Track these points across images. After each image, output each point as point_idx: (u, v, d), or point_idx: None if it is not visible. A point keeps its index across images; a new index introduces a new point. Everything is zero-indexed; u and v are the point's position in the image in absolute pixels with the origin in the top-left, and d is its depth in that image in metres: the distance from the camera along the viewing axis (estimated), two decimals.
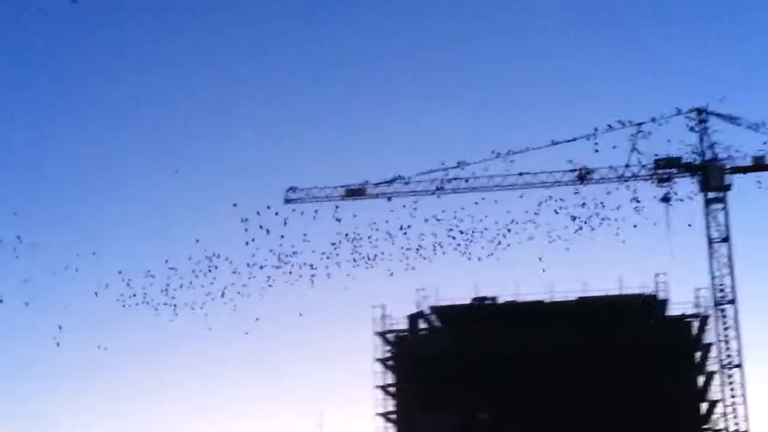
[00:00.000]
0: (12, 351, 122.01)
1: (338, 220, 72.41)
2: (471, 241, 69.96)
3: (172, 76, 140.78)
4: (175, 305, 69.83)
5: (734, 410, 66.28)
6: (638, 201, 70.93)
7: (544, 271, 69.27)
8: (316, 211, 73.19)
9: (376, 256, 70.63)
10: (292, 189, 74.42)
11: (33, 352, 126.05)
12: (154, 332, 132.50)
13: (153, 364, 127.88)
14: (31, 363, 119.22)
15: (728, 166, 70.69)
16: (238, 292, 70.58)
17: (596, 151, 71.30)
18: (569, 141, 73.34)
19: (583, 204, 71.53)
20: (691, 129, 71.22)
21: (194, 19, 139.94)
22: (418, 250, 71.70)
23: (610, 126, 70.99)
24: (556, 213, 71.08)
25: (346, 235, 71.99)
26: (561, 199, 71.33)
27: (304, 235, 70.30)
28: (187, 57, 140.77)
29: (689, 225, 70.09)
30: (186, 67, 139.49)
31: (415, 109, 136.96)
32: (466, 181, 71.42)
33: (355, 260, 70.03)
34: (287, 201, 74.54)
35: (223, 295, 70.40)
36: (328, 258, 71.26)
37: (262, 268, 70.43)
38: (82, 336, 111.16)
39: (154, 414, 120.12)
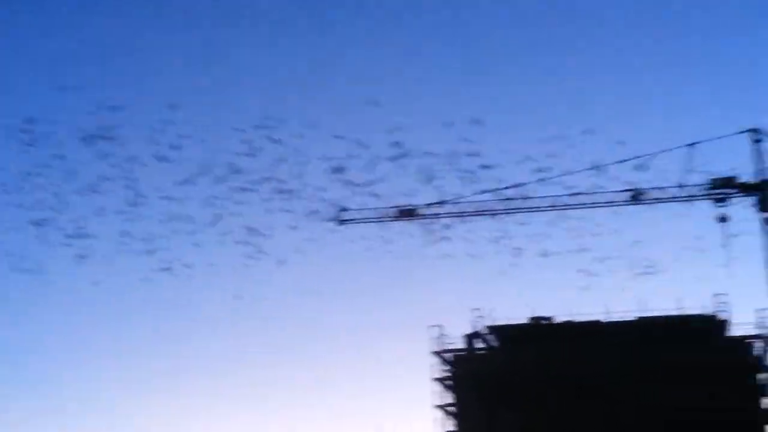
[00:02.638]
0: None
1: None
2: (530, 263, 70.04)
3: None
4: None
5: None
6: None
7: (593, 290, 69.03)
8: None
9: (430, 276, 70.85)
10: (345, 210, 75.17)
11: None
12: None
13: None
14: None
15: None
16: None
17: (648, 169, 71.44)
18: (624, 161, 73.65)
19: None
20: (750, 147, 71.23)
21: None
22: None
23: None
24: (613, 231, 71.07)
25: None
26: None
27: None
28: None
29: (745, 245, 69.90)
30: None
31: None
32: (523, 200, 71.76)
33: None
34: (341, 222, 75.31)
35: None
36: (384, 277, 71.73)
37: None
38: None
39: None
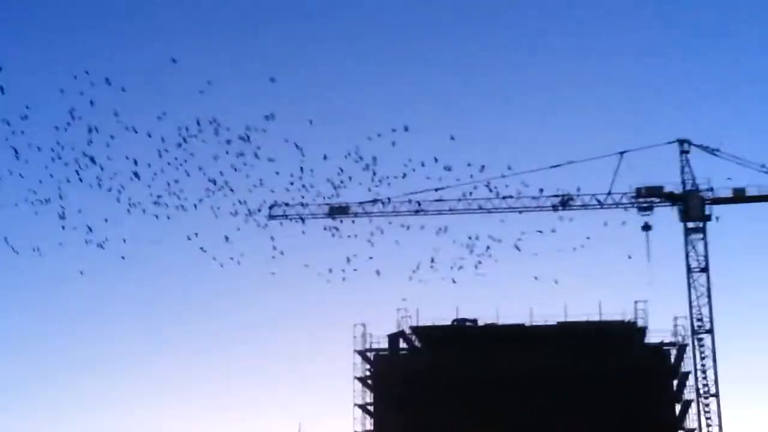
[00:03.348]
0: None
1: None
2: (456, 265, 70.07)
3: None
4: None
5: None
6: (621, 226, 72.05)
7: (523, 294, 69.72)
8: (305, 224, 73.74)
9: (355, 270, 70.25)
10: (277, 205, 74.63)
11: None
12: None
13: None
14: None
15: (709, 197, 71.70)
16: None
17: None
18: (553, 167, 74.38)
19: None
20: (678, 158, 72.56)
21: None
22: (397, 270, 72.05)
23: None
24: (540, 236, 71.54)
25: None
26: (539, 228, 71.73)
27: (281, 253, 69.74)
28: None
29: (667, 254, 71.10)
30: None
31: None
32: (458, 201, 72.23)
33: (344, 278, 69.65)
34: (271, 217, 74.74)
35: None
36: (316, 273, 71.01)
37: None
38: None
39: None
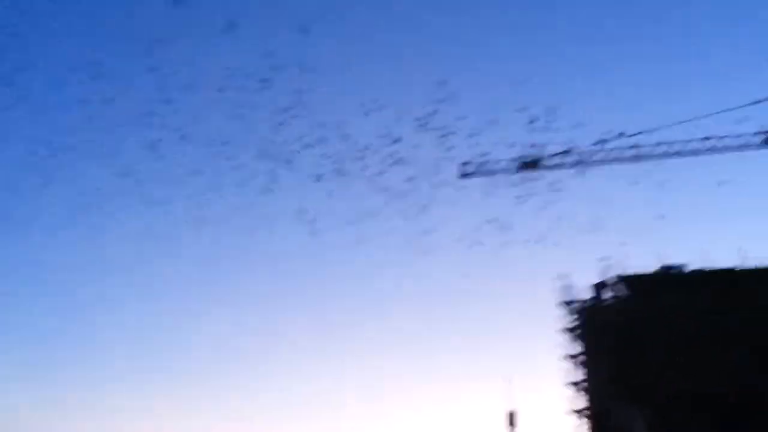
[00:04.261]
0: None
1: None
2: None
3: None
4: None
5: None
6: None
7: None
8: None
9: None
10: (467, 163, 75.39)
11: None
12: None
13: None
14: None
15: None
16: None
17: None
18: (753, 104, 71.08)
19: None
20: None
21: None
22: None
23: None
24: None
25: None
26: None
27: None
28: None
29: None
30: None
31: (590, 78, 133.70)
32: (653, 147, 70.38)
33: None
34: (463, 175, 75.64)
35: None
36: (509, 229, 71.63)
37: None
38: None
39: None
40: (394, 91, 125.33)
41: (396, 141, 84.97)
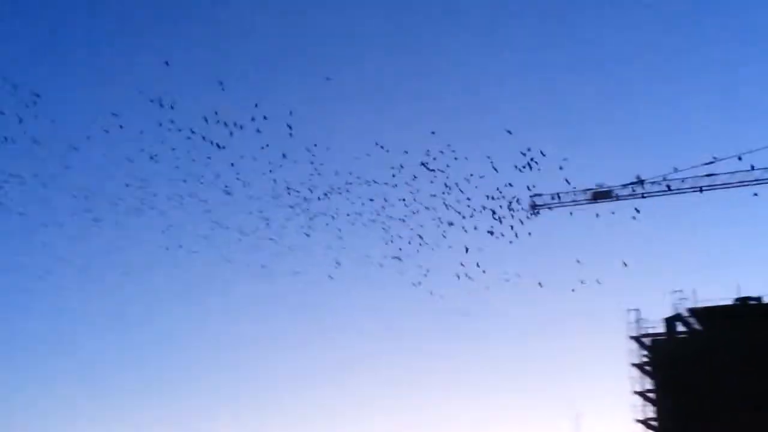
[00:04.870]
0: None
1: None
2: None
3: None
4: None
5: None
6: None
7: None
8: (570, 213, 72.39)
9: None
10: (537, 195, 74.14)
11: None
12: None
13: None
14: None
15: None
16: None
17: None
18: None
19: None
20: None
21: None
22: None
23: None
24: None
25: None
26: None
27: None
28: None
29: None
30: None
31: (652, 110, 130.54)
32: (731, 175, 67.44)
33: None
34: (533, 207, 74.36)
35: None
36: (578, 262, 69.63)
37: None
38: None
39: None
40: None
41: None
